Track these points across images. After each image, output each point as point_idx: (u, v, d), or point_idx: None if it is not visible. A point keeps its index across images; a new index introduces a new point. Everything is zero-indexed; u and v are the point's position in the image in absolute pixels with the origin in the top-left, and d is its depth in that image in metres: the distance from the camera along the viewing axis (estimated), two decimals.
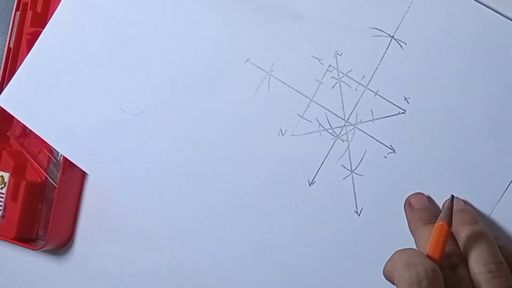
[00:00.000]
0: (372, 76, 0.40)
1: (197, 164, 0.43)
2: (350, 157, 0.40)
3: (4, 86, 0.48)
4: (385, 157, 0.39)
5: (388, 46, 0.40)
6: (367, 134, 0.40)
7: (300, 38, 0.42)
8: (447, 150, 0.38)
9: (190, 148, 0.44)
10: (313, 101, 0.41)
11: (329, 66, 0.41)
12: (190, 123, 0.44)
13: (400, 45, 0.40)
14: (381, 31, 0.40)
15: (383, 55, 0.40)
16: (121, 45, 0.45)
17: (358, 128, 0.40)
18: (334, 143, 0.41)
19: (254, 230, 0.42)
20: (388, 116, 0.40)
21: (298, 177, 0.41)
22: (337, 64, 0.41)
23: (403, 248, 0.35)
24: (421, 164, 0.39)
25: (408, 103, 0.39)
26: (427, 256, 0.33)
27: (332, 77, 0.41)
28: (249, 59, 0.43)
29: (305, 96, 0.41)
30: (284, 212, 0.41)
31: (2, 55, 0.51)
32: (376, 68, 0.40)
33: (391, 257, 0.34)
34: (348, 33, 0.41)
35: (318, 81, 0.41)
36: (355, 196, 0.40)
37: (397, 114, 0.40)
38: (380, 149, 0.40)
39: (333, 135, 0.41)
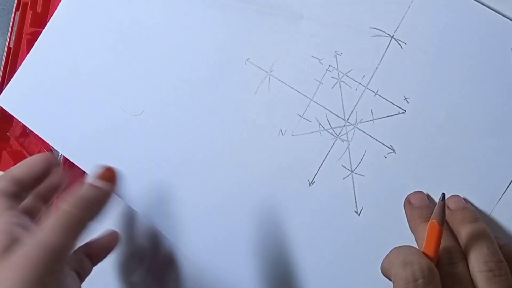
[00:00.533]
0: (372, 76, 0.40)
1: (197, 164, 0.43)
2: (350, 157, 0.40)
3: (4, 86, 0.48)
4: (385, 157, 0.39)
5: (388, 46, 0.40)
6: (367, 134, 0.40)
7: (300, 38, 0.42)
8: (447, 150, 0.38)
9: (190, 148, 0.44)
10: (313, 101, 0.41)
11: (329, 66, 0.41)
12: (190, 123, 0.44)
13: (400, 45, 0.40)
14: (381, 31, 0.40)
15: (383, 55, 0.40)
16: (121, 45, 0.45)
17: (358, 128, 0.40)
18: (334, 143, 0.41)
19: (253, 229, 0.41)
20: (388, 116, 0.40)
21: (298, 177, 0.41)
22: (337, 64, 0.41)
23: (400, 245, 0.35)
24: (421, 164, 0.39)
25: (408, 103, 0.39)
26: (423, 253, 0.33)
27: (332, 77, 0.41)
28: (249, 59, 0.43)
29: (305, 96, 0.41)
30: (284, 212, 0.41)
31: (2, 55, 0.51)
32: (376, 68, 0.40)
33: (388, 254, 0.35)
34: (348, 33, 0.41)
35: (318, 81, 0.41)
36: (355, 196, 0.40)
37: (397, 114, 0.40)
38: (380, 149, 0.40)
39: (333, 135, 0.41)
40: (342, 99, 0.41)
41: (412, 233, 0.37)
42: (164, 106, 0.44)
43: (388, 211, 0.39)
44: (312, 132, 0.41)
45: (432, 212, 0.35)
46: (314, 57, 0.42)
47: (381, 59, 0.40)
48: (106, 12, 0.46)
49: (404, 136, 0.39)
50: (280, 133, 0.42)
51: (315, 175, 0.41)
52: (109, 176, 0.38)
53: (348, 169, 0.40)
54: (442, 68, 0.39)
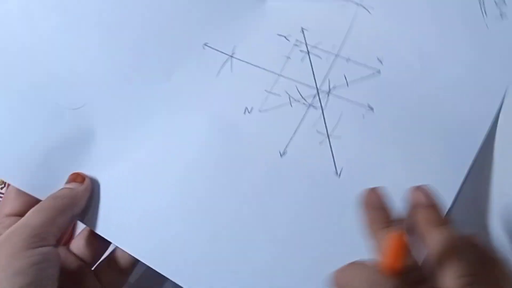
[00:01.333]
0: (343, 44, 0.38)
1: (155, 155, 0.38)
2: (325, 122, 0.36)
3: None
4: (363, 116, 0.36)
5: (355, 14, 0.38)
6: (342, 98, 0.37)
7: (263, 19, 0.40)
8: (426, 101, 0.35)
9: (143, 141, 0.39)
10: (281, 75, 0.38)
11: (296, 40, 0.39)
12: (141, 114, 0.39)
13: (367, 10, 0.38)
14: (347, 0, 0.39)
15: (351, 22, 0.38)
16: (58, 28, 0.41)
17: (332, 94, 0.37)
18: (306, 112, 0.37)
19: (226, 215, 0.35)
20: (362, 78, 0.37)
21: (267, 151, 0.36)
22: (304, 38, 0.39)
23: (359, 262, 0.28)
24: (400, 118, 0.35)
25: (381, 63, 0.37)
26: (384, 266, 0.27)
27: (300, 51, 0.39)
28: (207, 43, 0.40)
29: (272, 72, 0.39)
30: (257, 187, 0.36)
31: None
32: (345, 36, 0.38)
33: (345, 270, 0.28)
34: (313, 8, 0.40)
35: (285, 56, 0.39)
36: (333, 158, 0.35)
37: (371, 75, 0.37)
38: (357, 110, 0.36)
39: (304, 104, 0.37)
40: (312, 70, 0.38)
41: (369, 238, 0.31)
42: (110, 97, 0.40)
43: (369, 168, 0.34)
44: (281, 105, 0.38)
45: (390, 215, 0.29)
46: (280, 35, 0.40)
47: (350, 27, 0.38)
48: None
49: (381, 94, 0.36)
50: (246, 111, 0.38)
51: (286, 146, 0.36)
52: (75, 178, 0.38)
53: (323, 134, 0.36)
54: (412, 22, 0.37)
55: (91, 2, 0.41)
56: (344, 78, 0.37)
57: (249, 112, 0.38)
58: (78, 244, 0.39)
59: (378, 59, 0.37)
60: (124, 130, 0.39)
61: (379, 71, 0.37)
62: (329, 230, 0.33)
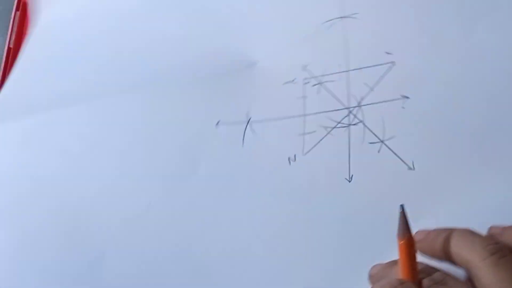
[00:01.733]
0: (347, 58, 0.38)
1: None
2: (372, 132, 0.35)
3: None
4: (403, 108, 0.35)
5: (343, 27, 0.39)
6: (374, 103, 0.36)
7: (262, 78, 0.40)
8: (448, 69, 0.35)
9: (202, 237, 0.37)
10: (307, 115, 0.38)
11: (304, 79, 0.39)
12: (187, 213, 0.38)
13: (353, 18, 0.39)
14: (330, 20, 0.40)
15: (344, 36, 0.39)
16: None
17: (363, 105, 0.36)
18: (349, 133, 0.36)
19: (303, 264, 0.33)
20: (382, 76, 0.36)
21: (334, 184, 0.35)
22: (310, 73, 0.39)
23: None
24: (440, 91, 0.34)
25: (392, 54, 0.37)
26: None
27: (312, 86, 0.39)
28: (219, 121, 0.40)
29: (296, 116, 0.38)
30: (342, 222, 0.34)
31: (2, 55, 0.49)
32: (346, 51, 0.38)
33: None
34: (304, 46, 0.40)
35: (301, 97, 0.39)
36: (400, 158, 0.33)
37: (389, 70, 0.36)
38: (394, 106, 0.35)
39: (344, 127, 0.36)
40: (333, 95, 0.38)
41: None
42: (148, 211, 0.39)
43: (439, 150, 0.33)
44: (322, 139, 0.37)
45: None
46: (286, 83, 0.40)
47: (345, 40, 0.39)
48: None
49: (408, 80, 0.36)
50: (290, 160, 0.37)
51: (349, 171, 0.35)
52: None
53: (377, 142, 0.35)
54: (406, 9, 0.37)
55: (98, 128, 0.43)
56: (365, 86, 0.37)
57: (294, 161, 0.37)
58: None
59: (386, 53, 0.37)
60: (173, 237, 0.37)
61: (393, 62, 0.36)
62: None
